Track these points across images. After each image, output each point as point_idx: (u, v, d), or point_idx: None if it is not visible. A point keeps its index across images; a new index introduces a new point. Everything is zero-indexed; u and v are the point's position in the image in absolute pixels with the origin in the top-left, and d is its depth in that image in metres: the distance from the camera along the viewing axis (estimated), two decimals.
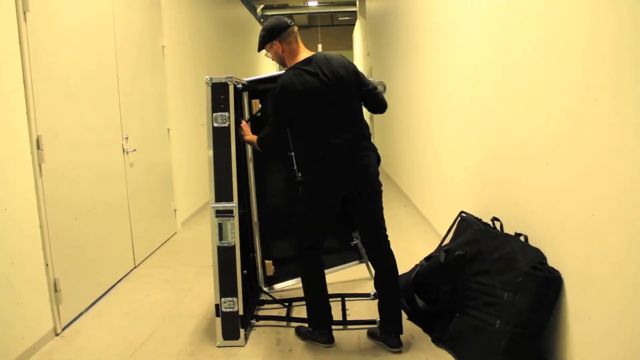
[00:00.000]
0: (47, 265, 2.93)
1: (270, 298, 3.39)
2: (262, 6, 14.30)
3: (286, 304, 3.30)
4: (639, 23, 1.72)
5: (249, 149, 3.30)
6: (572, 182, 2.16)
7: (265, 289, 3.49)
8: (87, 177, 3.41)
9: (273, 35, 2.69)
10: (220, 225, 2.80)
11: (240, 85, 3.02)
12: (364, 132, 2.69)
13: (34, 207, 2.85)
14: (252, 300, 3.26)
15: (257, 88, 3.25)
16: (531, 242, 2.48)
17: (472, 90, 3.51)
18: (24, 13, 2.78)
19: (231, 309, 2.82)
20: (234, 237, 2.81)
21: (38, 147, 2.87)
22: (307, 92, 2.56)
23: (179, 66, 5.63)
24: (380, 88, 2.88)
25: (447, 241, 3.15)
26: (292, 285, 3.60)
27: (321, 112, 2.60)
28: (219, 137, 2.80)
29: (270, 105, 2.66)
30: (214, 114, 2.80)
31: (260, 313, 3.24)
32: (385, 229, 2.78)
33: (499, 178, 3.06)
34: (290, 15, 17.81)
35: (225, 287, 2.81)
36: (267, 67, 14.11)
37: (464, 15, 3.67)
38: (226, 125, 2.79)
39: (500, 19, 2.95)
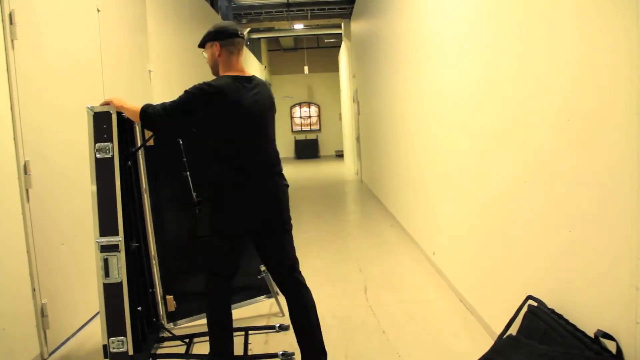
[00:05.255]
0: (34, 290, 2.92)
1: (169, 335, 3.25)
2: (248, 29, 14.46)
3: (187, 340, 3.16)
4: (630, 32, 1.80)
5: (143, 180, 3.21)
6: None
7: (168, 325, 3.32)
8: (74, 202, 3.42)
9: (218, 37, 2.59)
10: (105, 261, 2.65)
11: (125, 115, 2.86)
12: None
13: (21, 232, 2.85)
14: (151, 337, 3.14)
15: None
16: None
17: (454, 111, 3.58)
18: (12, 41, 2.82)
19: (120, 349, 2.65)
20: (120, 273, 2.66)
21: (25, 172, 2.89)
22: (236, 103, 2.48)
23: (167, 90, 5.66)
24: None
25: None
26: (196, 322, 3.41)
27: (246, 129, 2.54)
28: (102, 169, 2.67)
29: (188, 92, 2.47)
30: (96, 145, 2.67)
31: (160, 351, 3.10)
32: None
33: (478, 199, 3.12)
34: (276, 39, 18.05)
35: (113, 326, 2.64)
36: None
37: (445, 36, 3.76)
38: (109, 156, 2.67)
39: (480, 41, 3.04)
